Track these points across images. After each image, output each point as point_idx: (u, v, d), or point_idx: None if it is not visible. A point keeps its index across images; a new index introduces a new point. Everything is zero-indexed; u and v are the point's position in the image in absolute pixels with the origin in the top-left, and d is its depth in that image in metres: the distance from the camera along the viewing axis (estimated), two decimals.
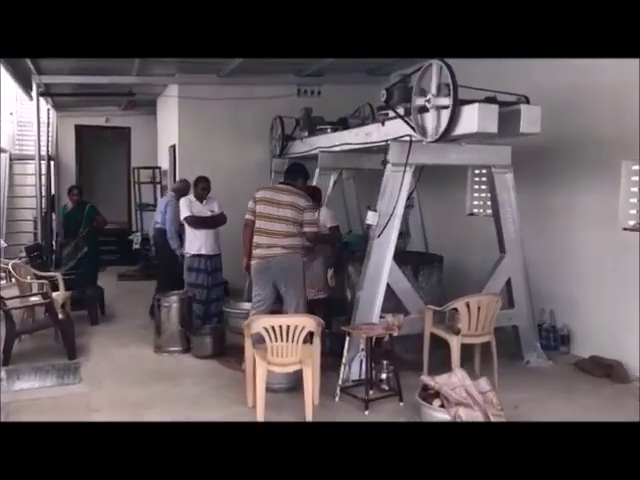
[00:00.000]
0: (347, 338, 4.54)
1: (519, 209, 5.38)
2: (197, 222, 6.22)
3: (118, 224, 12.17)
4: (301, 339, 3.87)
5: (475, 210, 7.24)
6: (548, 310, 5.92)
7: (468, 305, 4.64)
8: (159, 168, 10.48)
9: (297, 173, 5.23)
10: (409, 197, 5.30)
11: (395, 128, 5.05)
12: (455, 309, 4.71)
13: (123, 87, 9.04)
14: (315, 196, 5.96)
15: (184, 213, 6.21)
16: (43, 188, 9.61)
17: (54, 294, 6.20)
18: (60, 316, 5.58)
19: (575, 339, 5.77)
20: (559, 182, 5.86)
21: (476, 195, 7.25)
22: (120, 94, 9.34)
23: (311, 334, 4.08)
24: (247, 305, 6.73)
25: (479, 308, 4.67)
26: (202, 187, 6.37)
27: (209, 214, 6.32)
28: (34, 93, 8.34)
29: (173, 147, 9.13)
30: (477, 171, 7.12)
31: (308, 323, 3.92)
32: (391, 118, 5.18)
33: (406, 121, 4.83)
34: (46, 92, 9.16)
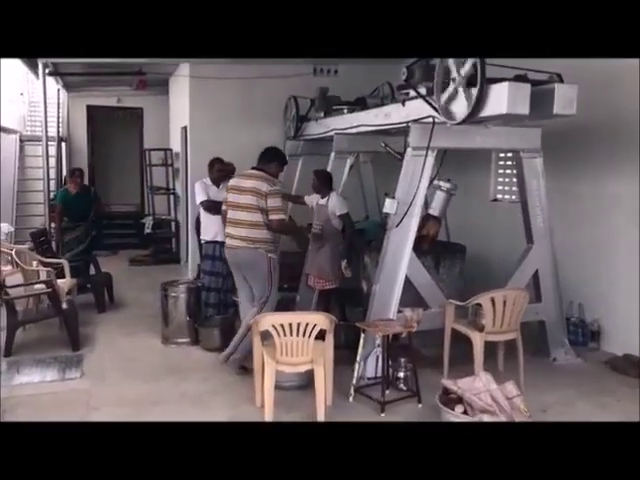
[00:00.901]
0: (362, 335, 4.25)
1: (548, 196, 5.02)
2: (213, 207, 5.93)
3: (131, 206, 12.04)
4: (312, 337, 3.59)
5: (499, 196, 6.87)
6: (577, 303, 5.58)
7: (493, 300, 4.33)
8: (170, 150, 10.21)
9: (270, 157, 4.86)
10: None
11: (416, 109, 4.70)
12: (479, 304, 4.40)
13: (132, 66, 8.74)
14: (326, 181, 5.67)
15: (200, 197, 5.92)
16: (52, 170, 9.39)
17: (59, 281, 5.99)
18: (64, 306, 5.36)
19: (605, 335, 5.43)
20: (589, 166, 5.47)
21: (500, 180, 6.88)
22: (130, 73, 9.03)
23: (324, 331, 3.80)
24: None
25: (505, 303, 4.36)
26: (218, 169, 6.09)
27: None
28: (40, 72, 8.07)
29: (184, 128, 8.84)
30: (502, 154, 6.74)
31: (320, 320, 3.63)
32: (412, 98, 4.84)
33: (428, 101, 4.49)
34: (55, 72, 8.89)
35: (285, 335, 3.56)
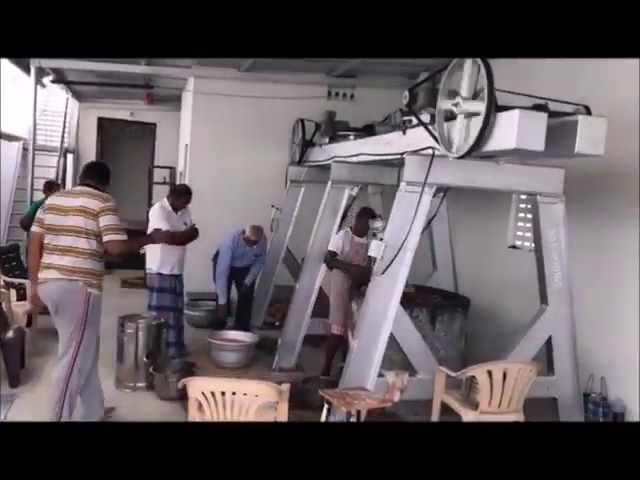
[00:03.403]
0: (325, 405, 3.51)
1: (569, 249, 4.25)
2: (174, 239, 5.38)
3: (137, 224, 11.55)
4: (251, 412, 2.87)
5: (518, 242, 6.07)
6: (598, 377, 4.73)
7: (490, 374, 3.56)
8: (172, 168, 9.72)
9: (102, 173, 4.00)
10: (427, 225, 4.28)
11: (418, 138, 4.03)
12: (473, 377, 3.64)
13: (139, 77, 8.30)
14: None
15: (160, 226, 5.31)
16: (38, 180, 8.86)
17: (17, 304, 5.44)
18: (9, 334, 4.75)
19: (632, 418, 4.56)
20: (621, 215, 4.65)
21: (521, 225, 6.09)
22: (137, 85, 8.60)
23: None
24: (237, 334, 5.85)
25: (505, 377, 3.58)
26: (185, 200, 5.57)
27: (183, 227, 5.48)
28: (32, 77, 7.68)
29: (187, 146, 8.33)
30: (524, 196, 5.97)
31: (263, 391, 2.91)
32: (414, 125, 4.18)
33: (429, 130, 3.80)
34: (59, 79, 8.51)
35: (217, 407, 2.86)
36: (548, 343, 4.24)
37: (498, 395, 3.57)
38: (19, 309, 5.37)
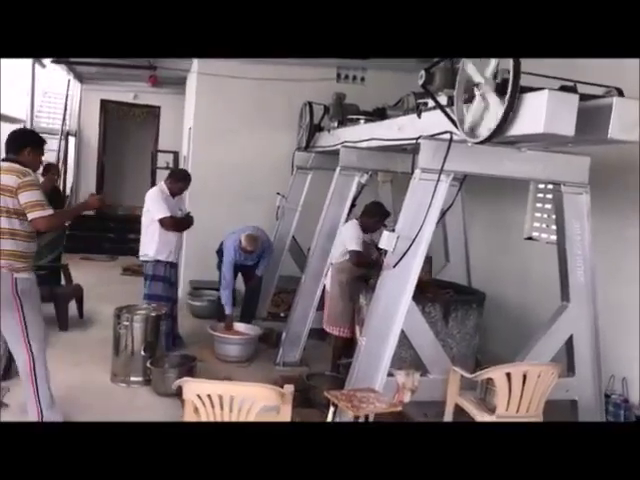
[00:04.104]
0: (331, 407, 3.28)
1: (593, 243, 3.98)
2: (176, 225, 5.23)
3: (140, 210, 11.34)
4: (251, 417, 2.64)
5: (535, 233, 5.80)
6: (620, 377, 4.48)
7: (509, 376, 3.31)
8: (176, 153, 9.47)
9: (21, 141, 3.54)
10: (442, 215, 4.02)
11: (436, 122, 3.75)
12: (490, 379, 3.40)
13: (142, 59, 8.04)
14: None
15: (162, 212, 5.13)
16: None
17: None
18: None
19: None
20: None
21: (538, 215, 5.81)
22: (140, 67, 8.34)
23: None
24: (239, 326, 5.65)
25: (524, 381, 3.34)
26: (182, 186, 5.42)
27: (179, 214, 5.31)
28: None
29: (190, 130, 8.07)
30: (542, 185, 5.69)
31: (264, 395, 2.68)
32: (431, 108, 3.91)
33: (447, 113, 3.53)
34: (58, 60, 8.26)
35: (214, 410, 2.62)
36: (569, 342, 3.99)
37: (517, 399, 3.33)
38: None
